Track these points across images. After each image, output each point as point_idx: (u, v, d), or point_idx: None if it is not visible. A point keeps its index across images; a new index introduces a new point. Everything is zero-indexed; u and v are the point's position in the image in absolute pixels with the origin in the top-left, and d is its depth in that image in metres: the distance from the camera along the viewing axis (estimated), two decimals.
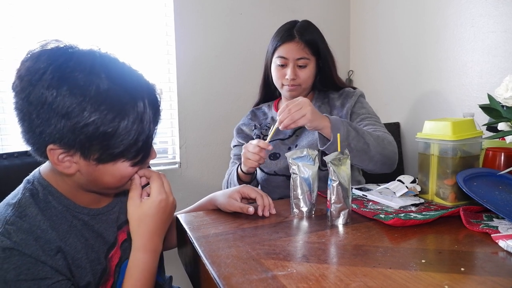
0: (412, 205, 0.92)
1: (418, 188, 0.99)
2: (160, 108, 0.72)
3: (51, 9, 1.69)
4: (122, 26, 1.83)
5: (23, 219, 0.66)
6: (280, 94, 1.43)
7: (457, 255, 0.66)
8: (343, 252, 0.69)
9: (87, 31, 1.75)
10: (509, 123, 0.93)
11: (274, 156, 1.30)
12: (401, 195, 0.97)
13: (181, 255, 0.94)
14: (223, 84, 2.06)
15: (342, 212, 0.83)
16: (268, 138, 1.10)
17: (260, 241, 0.75)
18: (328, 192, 0.84)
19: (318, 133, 1.08)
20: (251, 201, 0.96)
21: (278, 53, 1.27)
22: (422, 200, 0.95)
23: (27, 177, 0.74)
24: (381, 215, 0.84)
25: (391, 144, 1.16)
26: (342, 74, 1.51)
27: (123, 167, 0.70)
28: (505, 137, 0.98)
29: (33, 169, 0.76)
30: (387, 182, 1.04)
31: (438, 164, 0.94)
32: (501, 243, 0.68)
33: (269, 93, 1.45)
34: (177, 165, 2.01)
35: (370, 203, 0.96)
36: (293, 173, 0.92)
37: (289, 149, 1.29)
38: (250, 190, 0.95)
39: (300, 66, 1.27)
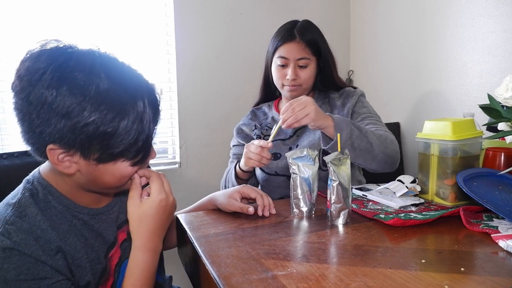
0: (412, 205, 0.92)
1: (418, 188, 0.99)
2: (160, 107, 0.72)
3: (51, 9, 1.69)
4: (122, 26, 1.83)
5: (23, 219, 0.66)
6: (280, 94, 1.42)
7: (457, 255, 0.66)
8: (343, 252, 0.69)
9: (87, 31, 1.75)
10: (509, 123, 0.93)
11: (274, 156, 1.29)
12: (401, 195, 0.97)
13: (181, 255, 0.94)
14: (223, 84, 2.06)
15: (342, 212, 0.83)
16: (271, 138, 1.10)
17: (260, 241, 0.75)
18: (328, 192, 0.84)
19: (321, 132, 1.08)
20: (251, 201, 0.96)
21: (279, 53, 1.27)
22: (422, 200, 0.95)
23: (27, 177, 0.74)
24: (381, 215, 0.84)
25: (393, 143, 1.16)
26: (342, 74, 1.51)
27: (123, 167, 0.70)
28: (505, 137, 0.98)
29: (33, 169, 0.76)
30: (387, 182, 1.04)
31: (438, 164, 0.94)
32: (501, 243, 0.68)
33: (269, 93, 1.45)
34: (177, 165, 2.01)
35: (370, 203, 0.96)
36: (293, 173, 0.92)
37: (290, 149, 1.29)
38: (250, 190, 0.95)
39: (300, 66, 1.26)
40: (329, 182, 0.84)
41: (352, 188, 1.05)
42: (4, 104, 1.66)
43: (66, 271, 0.68)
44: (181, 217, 0.92)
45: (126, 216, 0.76)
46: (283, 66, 1.27)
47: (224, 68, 2.05)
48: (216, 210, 0.98)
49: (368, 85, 2.16)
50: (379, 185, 1.10)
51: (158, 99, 0.72)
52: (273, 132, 1.10)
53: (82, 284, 0.72)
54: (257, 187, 1.31)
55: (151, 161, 0.83)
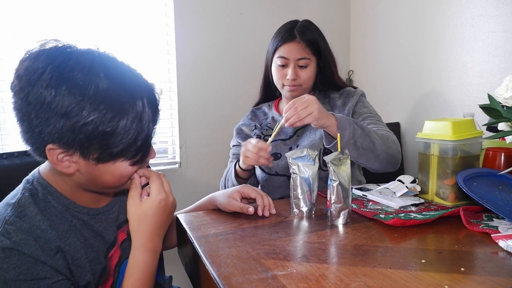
0: (412, 205, 0.92)
1: (418, 188, 0.99)
2: (159, 107, 0.72)
3: (51, 9, 1.69)
4: (122, 26, 1.83)
5: (22, 219, 0.66)
6: (280, 94, 1.42)
7: (457, 255, 0.66)
8: (343, 252, 0.69)
9: (87, 31, 1.75)
10: (509, 123, 0.93)
11: (275, 156, 1.29)
12: (401, 195, 0.97)
13: (181, 255, 0.94)
14: (223, 84, 2.06)
15: (342, 212, 0.83)
16: (272, 137, 1.10)
17: (260, 241, 0.75)
18: (328, 192, 0.84)
19: (324, 131, 1.08)
20: (251, 201, 0.96)
21: (279, 53, 1.27)
22: (422, 200, 0.95)
23: (27, 177, 0.74)
24: (381, 215, 0.84)
25: (395, 143, 1.16)
26: (342, 74, 1.50)
27: (122, 167, 0.70)
28: (505, 137, 0.98)
29: (33, 169, 0.76)
30: (387, 182, 1.04)
31: (438, 164, 0.94)
32: (501, 243, 0.68)
33: (269, 93, 1.45)
34: (177, 165, 2.01)
35: (370, 203, 0.96)
36: (293, 173, 0.92)
37: (290, 149, 1.29)
38: (250, 190, 0.95)
39: (301, 66, 1.26)
40: (329, 182, 0.84)
41: (352, 188, 1.05)
42: (4, 104, 1.66)
43: (66, 271, 0.68)
44: (181, 217, 0.92)
45: (126, 216, 0.76)
46: (283, 66, 1.27)
47: (224, 68, 2.05)
48: (216, 210, 0.98)
49: (368, 85, 2.16)
50: (379, 185, 1.10)
51: (157, 99, 0.72)
52: (275, 131, 1.10)
53: (82, 284, 0.72)
54: (257, 187, 1.31)
55: (151, 161, 0.83)
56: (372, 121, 1.24)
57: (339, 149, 0.87)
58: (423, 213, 0.85)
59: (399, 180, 1.02)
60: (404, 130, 1.98)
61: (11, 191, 0.73)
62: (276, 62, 1.28)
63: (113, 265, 0.78)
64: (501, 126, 0.95)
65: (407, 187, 0.99)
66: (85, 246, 0.73)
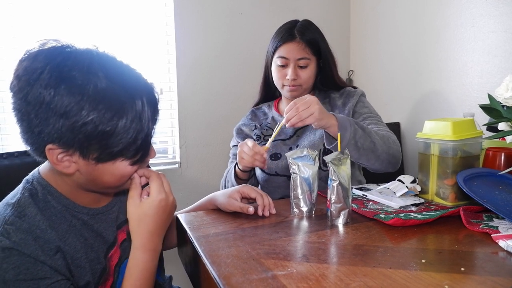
0: (412, 205, 0.92)
1: (418, 188, 0.99)
2: (159, 106, 0.72)
3: (51, 8, 1.69)
4: (122, 26, 1.83)
5: (22, 219, 0.66)
6: (280, 94, 1.42)
7: (457, 255, 0.66)
8: (343, 252, 0.69)
9: (87, 31, 1.75)
10: (509, 123, 0.93)
11: (275, 156, 1.29)
12: (401, 195, 0.97)
13: (181, 254, 0.94)
14: (223, 84, 2.05)
15: (342, 212, 0.83)
16: (272, 138, 1.10)
17: (260, 241, 0.74)
18: (328, 192, 0.84)
19: (325, 131, 1.08)
20: (251, 201, 0.96)
21: (279, 53, 1.27)
22: (422, 200, 0.95)
23: (27, 177, 0.74)
24: (381, 215, 0.84)
25: (395, 143, 1.16)
26: (342, 74, 1.50)
27: (122, 166, 0.70)
28: (505, 137, 0.98)
29: (33, 169, 0.76)
30: (387, 182, 1.04)
31: (438, 164, 0.94)
32: (501, 243, 0.68)
33: (269, 93, 1.45)
34: (177, 165, 2.01)
35: (370, 203, 0.96)
36: (293, 173, 0.92)
37: (290, 149, 1.29)
38: (250, 190, 0.95)
39: (301, 67, 1.26)
40: (329, 182, 0.84)
41: (352, 188, 1.05)
42: (4, 104, 1.66)
43: (65, 271, 0.68)
44: (181, 217, 0.92)
45: (126, 216, 0.76)
46: (283, 66, 1.27)
47: (224, 68, 2.05)
48: (216, 210, 0.98)
49: (368, 85, 2.16)
50: (379, 185, 1.10)
51: (157, 98, 0.72)
52: (275, 132, 1.10)
53: (82, 284, 0.72)
54: (257, 187, 1.31)
55: (151, 161, 0.83)
56: (372, 121, 1.24)
57: (339, 149, 0.87)
58: (423, 213, 0.85)
59: (399, 180, 1.02)
60: (404, 130, 1.98)
61: (11, 191, 0.73)
62: (276, 62, 1.28)
63: (113, 265, 0.78)
64: (501, 126, 0.95)
65: (407, 187, 0.99)
66: (84, 246, 0.73)
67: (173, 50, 1.94)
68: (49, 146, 0.64)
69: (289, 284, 0.57)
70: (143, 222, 0.74)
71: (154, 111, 0.70)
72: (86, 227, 0.75)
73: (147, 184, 0.77)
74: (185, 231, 0.84)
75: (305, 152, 0.92)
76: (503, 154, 1.00)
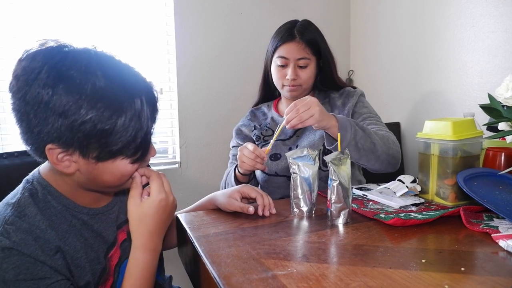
0: (412, 205, 0.92)
1: (418, 188, 0.99)
2: (158, 105, 0.72)
3: (51, 8, 1.69)
4: (122, 26, 1.83)
5: (22, 219, 0.66)
6: (279, 94, 1.42)
7: (457, 255, 0.66)
8: (343, 252, 0.69)
9: (87, 31, 1.75)
10: (509, 123, 0.93)
11: (275, 156, 1.29)
12: (401, 195, 0.97)
13: (181, 254, 0.94)
14: (223, 84, 2.05)
15: (342, 212, 0.83)
16: (273, 140, 1.10)
17: (260, 241, 0.74)
18: (328, 191, 0.84)
19: (325, 132, 1.08)
20: (251, 200, 0.96)
21: (279, 53, 1.27)
22: (422, 200, 0.95)
23: (27, 177, 0.74)
24: (381, 215, 0.84)
25: (395, 144, 1.16)
26: (342, 74, 1.51)
27: (122, 165, 0.70)
28: (505, 137, 0.98)
29: (33, 169, 0.76)
30: (387, 182, 1.04)
31: (438, 164, 0.94)
32: (501, 243, 0.68)
33: (268, 93, 1.45)
34: (177, 165, 2.01)
35: (370, 202, 0.96)
36: (293, 173, 0.92)
37: (290, 149, 1.29)
38: (250, 190, 0.95)
39: (300, 66, 1.26)
40: (329, 182, 0.84)
41: (352, 188, 1.05)
42: (4, 104, 1.66)
43: (65, 271, 0.68)
44: (181, 216, 0.92)
45: (126, 216, 0.76)
46: (283, 66, 1.27)
47: (224, 68, 2.05)
48: (216, 210, 0.98)
49: (368, 85, 2.16)
50: (379, 185, 1.10)
51: (156, 97, 0.72)
52: (275, 134, 1.09)
53: (82, 284, 0.72)
54: (257, 187, 1.31)
55: (151, 161, 0.83)
56: (372, 121, 1.24)
57: (339, 149, 0.87)
58: (423, 213, 0.85)
59: (399, 180, 1.02)
60: (404, 130, 1.98)
61: (11, 191, 0.73)
62: (276, 62, 1.28)
63: (113, 265, 0.78)
64: (501, 126, 0.95)
65: (407, 187, 0.99)
66: (85, 246, 0.73)
67: (173, 50, 1.94)
68: (49, 146, 0.64)
69: (289, 284, 0.57)
70: (143, 222, 0.74)
71: (153, 110, 0.70)
72: (86, 227, 0.75)
73: (147, 184, 0.77)
74: (185, 231, 0.84)
75: (305, 152, 0.92)
76: (503, 154, 1.00)
